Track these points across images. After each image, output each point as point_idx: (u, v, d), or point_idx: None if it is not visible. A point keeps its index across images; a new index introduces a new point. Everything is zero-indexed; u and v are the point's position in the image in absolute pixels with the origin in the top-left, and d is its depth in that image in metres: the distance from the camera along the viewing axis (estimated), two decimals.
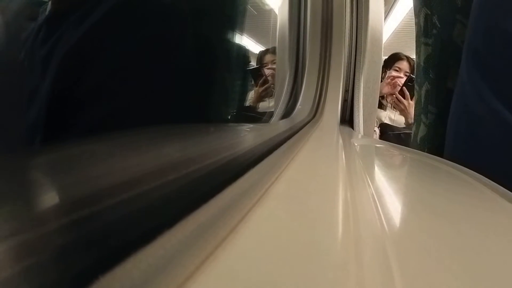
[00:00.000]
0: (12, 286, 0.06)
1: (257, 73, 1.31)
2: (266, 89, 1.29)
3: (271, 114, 0.88)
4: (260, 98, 1.31)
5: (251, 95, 1.33)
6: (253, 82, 1.31)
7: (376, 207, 0.19)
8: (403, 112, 1.32)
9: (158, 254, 0.09)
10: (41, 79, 0.28)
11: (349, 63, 0.87)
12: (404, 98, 1.29)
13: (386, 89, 1.35)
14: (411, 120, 1.27)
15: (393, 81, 1.32)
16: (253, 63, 1.42)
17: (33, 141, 0.26)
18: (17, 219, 0.07)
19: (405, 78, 1.31)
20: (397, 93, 1.31)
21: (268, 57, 1.34)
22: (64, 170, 0.12)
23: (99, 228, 0.08)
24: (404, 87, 1.30)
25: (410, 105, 1.28)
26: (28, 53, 0.31)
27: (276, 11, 1.05)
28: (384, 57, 1.36)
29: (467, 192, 0.26)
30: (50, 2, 0.32)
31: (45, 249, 0.07)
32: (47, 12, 0.33)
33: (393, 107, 1.36)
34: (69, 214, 0.08)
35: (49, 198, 0.09)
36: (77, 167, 0.12)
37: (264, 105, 1.31)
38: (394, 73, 1.35)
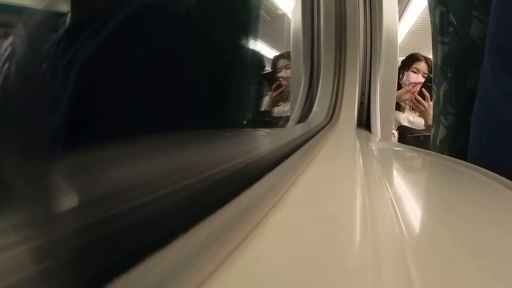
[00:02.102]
0: (30, 287, 0.06)
1: (271, 77, 1.32)
2: (280, 93, 1.30)
3: (287, 119, 0.87)
4: (275, 103, 1.31)
5: (266, 100, 1.34)
6: (267, 87, 1.32)
7: (395, 212, 0.18)
8: (423, 114, 1.29)
9: (173, 258, 0.09)
10: (62, 89, 0.29)
11: (364, 65, 0.86)
12: (424, 99, 1.26)
13: (406, 96, 1.32)
14: (431, 122, 1.24)
15: (413, 89, 1.30)
16: (268, 68, 1.43)
17: (54, 147, 0.26)
18: (36, 221, 0.08)
19: (423, 82, 1.28)
20: (416, 94, 1.28)
21: (282, 62, 1.34)
22: (82, 174, 0.12)
23: (115, 232, 0.09)
24: (423, 88, 1.27)
25: (430, 106, 1.25)
26: (50, 64, 0.33)
27: (289, 15, 1.05)
28: (401, 58, 1.34)
29: (491, 196, 0.25)
30: (69, 14, 0.34)
31: (62, 252, 0.07)
32: (66, 24, 0.34)
33: (412, 108, 1.33)
34: (85, 217, 0.08)
35: (67, 202, 0.09)
36: (95, 172, 0.12)
37: (280, 110, 1.31)
38: (412, 76, 1.32)
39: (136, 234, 0.09)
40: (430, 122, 1.25)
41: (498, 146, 0.40)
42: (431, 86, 1.27)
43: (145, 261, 0.08)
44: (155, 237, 0.09)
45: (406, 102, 1.35)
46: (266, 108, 1.31)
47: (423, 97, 1.26)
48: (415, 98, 1.28)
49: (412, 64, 1.35)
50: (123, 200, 0.10)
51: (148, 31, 0.30)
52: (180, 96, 0.31)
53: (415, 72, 1.34)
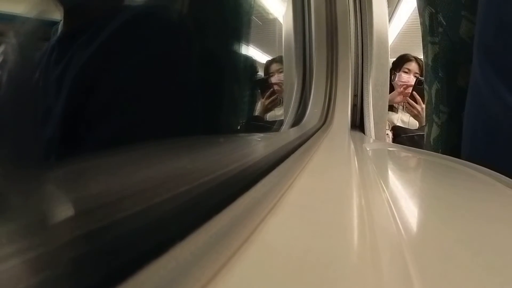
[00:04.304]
0: None
1: (264, 84, 1.31)
2: (272, 101, 1.30)
3: (281, 123, 0.88)
4: (267, 110, 1.31)
5: (258, 105, 1.34)
6: (259, 92, 1.32)
7: (392, 212, 0.18)
8: (416, 117, 1.30)
9: (171, 266, 0.09)
10: (55, 97, 0.29)
11: (356, 67, 0.86)
12: (416, 103, 1.27)
13: (399, 99, 1.33)
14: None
15: (406, 91, 1.31)
16: (261, 73, 1.43)
17: (48, 157, 0.26)
18: (31, 232, 0.08)
19: (413, 85, 1.29)
20: (408, 98, 1.29)
21: (274, 67, 1.35)
22: (77, 184, 0.12)
23: (111, 241, 0.08)
24: (414, 92, 1.27)
25: (423, 109, 1.25)
26: (43, 73, 0.32)
27: (281, 19, 1.05)
28: (392, 59, 1.35)
29: (486, 192, 0.26)
30: (61, 23, 0.33)
31: (58, 263, 0.07)
32: (58, 33, 0.34)
33: (404, 110, 1.34)
34: (80, 227, 0.08)
35: (62, 211, 0.09)
36: (90, 181, 0.12)
37: (273, 114, 1.32)
38: (404, 76, 1.33)
39: (133, 242, 0.09)
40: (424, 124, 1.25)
41: (491, 145, 0.40)
42: (421, 88, 1.27)
43: (142, 270, 0.08)
44: (152, 245, 0.09)
45: (406, 100, 1.35)
46: (259, 114, 1.31)
47: (415, 101, 1.27)
48: (408, 102, 1.29)
49: (403, 64, 1.36)
50: (119, 209, 0.09)
51: (140, 39, 0.30)
52: (174, 103, 0.31)
53: (406, 73, 1.35)
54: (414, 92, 1.27)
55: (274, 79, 1.32)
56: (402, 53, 1.42)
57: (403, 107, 1.35)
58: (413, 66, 1.35)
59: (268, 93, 1.30)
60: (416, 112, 1.28)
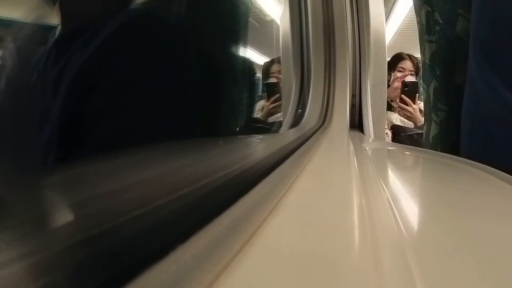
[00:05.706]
0: None
1: (273, 88, 1.30)
2: (276, 106, 1.29)
3: (280, 124, 0.88)
4: (270, 114, 1.31)
5: (260, 106, 1.33)
6: (264, 95, 1.31)
7: (393, 211, 0.18)
8: (410, 118, 1.30)
9: (171, 269, 0.09)
10: (53, 101, 0.29)
11: (354, 67, 0.87)
12: (407, 105, 1.28)
13: (395, 93, 1.33)
14: (420, 123, 1.25)
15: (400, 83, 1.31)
16: (259, 75, 1.43)
17: (45, 161, 0.26)
18: (32, 237, 0.07)
19: (411, 78, 1.30)
20: (398, 102, 1.29)
21: (274, 68, 1.35)
22: (76, 188, 0.12)
23: (111, 245, 0.08)
24: (402, 95, 1.28)
25: (416, 109, 1.26)
26: (40, 76, 0.32)
27: (278, 21, 1.06)
28: (389, 59, 1.35)
29: (486, 189, 0.26)
30: (58, 27, 0.33)
31: (59, 267, 0.07)
32: (56, 36, 0.34)
33: (399, 114, 1.34)
34: (81, 231, 0.08)
35: (62, 216, 0.09)
36: (89, 185, 0.12)
37: (273, 116, 1.31)
38: (398, 74, 1.34)
39: (133, 246, 0.09)
40: (420, 124, 1.26)
41: (488, 142, 0.40)
42: (408, 90, 1.27)
43: (143, 274, 0.08)
44: (153, 249, 0.09)
45: (397, 101, 1.36)
46: (260, 117, 1.31)
47: (405, 103, 1.28)
48: (399, 106, 1.29)
49: (397, 64, 1.37)
50: (119, 213, 0.09)
51: (138, 41, 0.30)
52: (172, 106, 0.31)
53: (401, 72, 1.35)
54: (402, 96, 1.28)
55: (273, 81, 1.32)
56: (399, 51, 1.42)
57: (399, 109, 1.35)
58: (407, 64, 1.35)
59: (274, 98, 1.29)
60: (408, 114, 1.29)
